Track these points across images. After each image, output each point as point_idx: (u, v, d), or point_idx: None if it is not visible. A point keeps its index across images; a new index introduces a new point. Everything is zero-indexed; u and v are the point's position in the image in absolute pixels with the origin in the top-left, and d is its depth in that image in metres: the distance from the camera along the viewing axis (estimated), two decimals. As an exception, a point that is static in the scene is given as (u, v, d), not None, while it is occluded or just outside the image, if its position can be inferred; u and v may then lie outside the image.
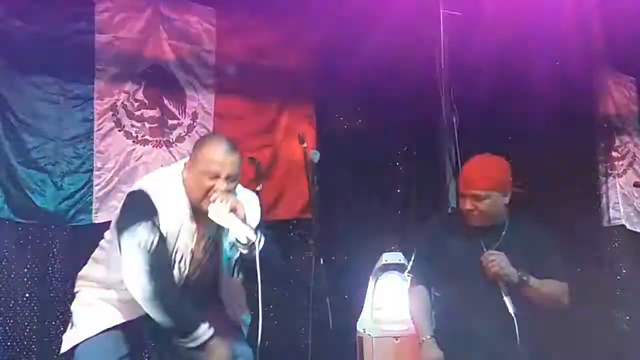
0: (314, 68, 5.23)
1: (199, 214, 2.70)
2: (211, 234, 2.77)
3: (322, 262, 4.17)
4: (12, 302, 4.29)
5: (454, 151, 4.88)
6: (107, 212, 4.35)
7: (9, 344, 4.25)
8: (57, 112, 4.41)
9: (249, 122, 5.05)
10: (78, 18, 4.47)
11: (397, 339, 4.10)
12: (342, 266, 5.29)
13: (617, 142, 6.07)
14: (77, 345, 2.73)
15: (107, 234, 2.85)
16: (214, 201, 2.59)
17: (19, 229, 4.33)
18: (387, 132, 5.58)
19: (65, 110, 4.43)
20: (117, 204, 3.64)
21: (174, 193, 2.69)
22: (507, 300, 2.98)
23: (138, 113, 4.67)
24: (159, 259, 2.61)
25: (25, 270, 4.33)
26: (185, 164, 2.75)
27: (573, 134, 5.11)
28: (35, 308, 4.31)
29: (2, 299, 4.27)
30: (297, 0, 5.08)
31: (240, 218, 2.59)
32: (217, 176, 2.62)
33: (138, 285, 2.58)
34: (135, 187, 2.77)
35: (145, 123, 4.69)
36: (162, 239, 2.63)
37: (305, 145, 4.24)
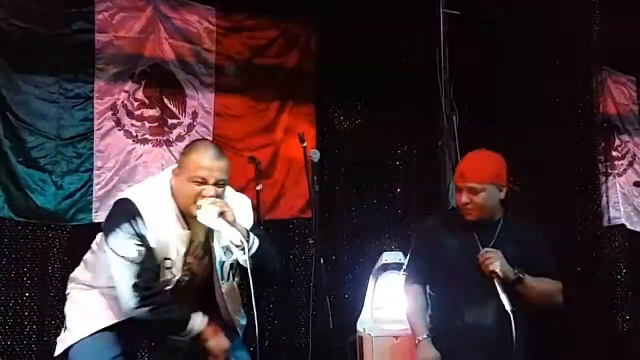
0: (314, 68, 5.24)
1: (188, 220, 2.71)
2: (201, 240, 2.78)
3: (322, 261, 4.16)
4: (12, 301, 4.29)
5: (454, 151, 4.88)
6: (107, 211, 4.24)
7: (9, 343, 4.26)
8: (58, 111, 4.41)
9: (249, 121, 5.05)
10: (78, 17, 4.47)
11: (397, 339, 4.09)
12: (342, 266, 5.29)
13: (617, 142, 6.07)
14: (70, 347, 2.73)
15: (98, 237, 2.87)
16: (201, 206, 2.60)
17: (19, 228, 4.33)
18: (387, 132, 5.58)
19: (65, 110, 4.43)
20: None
21: (162, 201, 2.70)
22: (503, 297, 2.98)
23: (138, 112, 4.67)
24: (147, 268, 2.63)
25: (25, 269, 4.33)
26: (173, 171, 2.76)
27: (573, 134, 5.10)
28: (35, 308, 4.32)
29: (2, 298, 4.27)
30: (297, 0, 5.09)
31: (229, 221, 2.60)
32: (205, 182, 2.63)
33: (125, 297, 2.61)
34: (123, 196, 2.78)
35: (146, 122, 4.69)
36: (150, 248, 2.64)
37: (305, 144, 4.23)
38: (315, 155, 4.20)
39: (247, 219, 2.80)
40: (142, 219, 2.63)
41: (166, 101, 4.79)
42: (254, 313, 2.55)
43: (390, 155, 5.60)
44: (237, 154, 4.90)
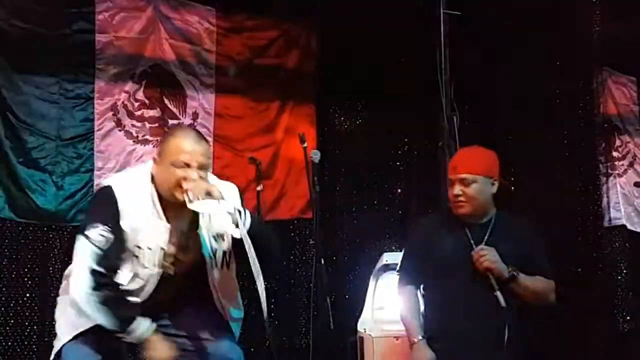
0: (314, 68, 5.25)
1: (170, 209, 2.67)
2: (184, 228, 2.73)
3: (322, 262, 4.16)
4: (13, 302, 4.29)
5: (455, 151, 4.88)
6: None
7: (9, 343, 4.26)
8: (58, 111, 4.41)
9: (249, 121, 5.06)
10: (78, 18, 4.47)
11: (397, 339, 4.08)
12: (342, 266, 5.30)
13: (618, 142, 6.08)
14: (60, 351, 2.71)
15: None
16: (187, 190, 2.55)
17: (20, 228, 4.33)
18: (387, 132, 5.59)
19: (65, 110, 4.43)
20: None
21: (140, 190, 2.66)
22: (498, 294, 2.98)
23: (138, 113, 4.67)
24: (110, 257, 2.57)
25: (26, 270, 4.33)
26: (153, 159, 2.71)
27: (573, 134, 5.10)
28: (36, 308, 4.32)
29: (3, 299, 4.28)
30: (297, 0, 5.10)
31: (218, 197, 2.56)
32: (188, 165, 2.59)
33: (79, 280, 2.56)
34: (103, 184, 2.76)
35: (146, 123, 4.69)
36: (120, 238, 2.59)
37: (305, 145, 4.23)
38: (316, 155, 4.19)
39: (234, 202, 2.73)
40: (116, 205, 2.59)
41: (166, 101, 4.79)
42: (258, 292, 2.51)
43: (390, 156, 5.60)
44: (238, 155, 4.91)
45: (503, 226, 3.16)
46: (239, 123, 5.02)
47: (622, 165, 6.08)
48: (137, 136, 4.64)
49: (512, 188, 5.00)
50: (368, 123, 5.55)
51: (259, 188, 4.50)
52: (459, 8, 4.81)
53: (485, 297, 3.00)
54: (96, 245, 2.55)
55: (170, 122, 4.77)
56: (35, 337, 4.29)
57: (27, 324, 4.29)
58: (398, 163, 5.61)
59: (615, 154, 6.01)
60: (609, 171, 5.82)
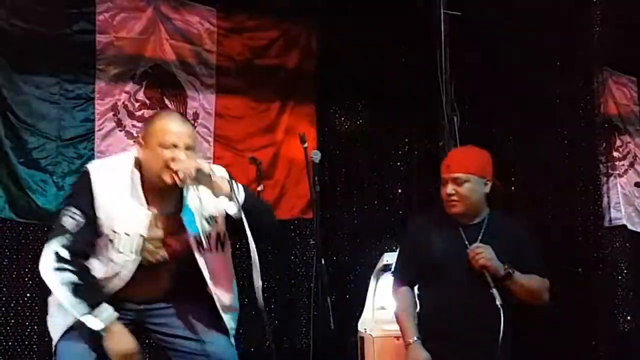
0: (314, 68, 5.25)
1: (155, 193, 2.66)
2: (172, 213, 2.70)
3: (323, 262, 4.16)
4: (14, 302, 4.30)
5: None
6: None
7: (10, 343, 4.26)
8: (58, 112, 4.42)
9: (249, 122, 5.06)
10: (79, 18, 4.48)
11: (398, 339, 4.07)
12: (343, 266, 5.30)
13: (618, 142, 6.08)
14: (55, 351, 2.72)
15: None
16: (178, 170, 2.54)
17: (20, 228, 4.33)
18: (387, 132, 5.59)
19: (66, 111, 4.44)
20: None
21: (120, 175, 2.64)
22: (494, 292, 2.98)
23: (139, 113, 4.68)
24: (78, 241, 2.57)
25: (26, 270, 4.33)
26: (138, 143, 2.70)
27: (574, 134, 5.10)
28: (36, 308, 4.31)
29: (4, 299, 4.28)
30: (298, 1, 5.10)
31: (208, 173, 2.56)
32: (175, 146, 2.59)
33: (43, 259, 2.57)
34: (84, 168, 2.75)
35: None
36: (94, 221, 2.58)
37: (306, 145, 4.22)
38: (316, 155, 4.18)
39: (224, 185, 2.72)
40: (91, 189, 2.59)
41: (167, 102, 4.80)
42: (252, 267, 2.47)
43: (390, 155, 5.61)
44: (238, 155, 4.92)
45: (496, 226, 3.16)
46: (240, 123, 5.03)
47: (623, 165, 6.08)
48: (138, 136, 4.63)
49: (512, 188, 5.02)
50: (368, 123, 5.56)
51: (259, 188, 4.50)
52: (459, 8, 4.82)
53: (480, 296, 3.00)
54: (66, 229, 2.57)
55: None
56: (35, 337, 4.29)
57: (27, 324, 4.29)
58: (398, 163, 5.62)
59: (615, 154, 6.01)
60: (610, 171, 5.82)
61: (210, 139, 4.89)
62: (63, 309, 2.63)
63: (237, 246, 3.82)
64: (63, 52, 4.42)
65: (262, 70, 5.12)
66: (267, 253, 4.77)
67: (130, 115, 4.65)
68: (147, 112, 4.69)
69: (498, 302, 2.94)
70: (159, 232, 2.70)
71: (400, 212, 5.50)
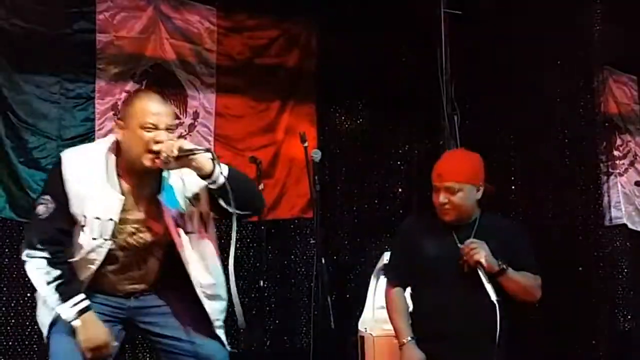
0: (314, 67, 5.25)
1: (133, 177, 2.63)
2: (149, 193, 2.67)
3: (323, 261, 4.16)
4: (14, 302, 4.30)
5: (455, 150, 4.88)
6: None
7: (10, 343, 4.26)
8: (59, 111, 4.41)
9: (250, 121, 5.06)
10: (79, 17, 4.48)
11: (398, 339, 4.09)
12: (343, 265, 5.30)
13: (619, 141, 6.07)
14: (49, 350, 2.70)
15: None
16: (160, 151, 2.51)
17: (20, 228, 4.33)
18: (388, 131, 5.59)
19: (66, 110, 4.44)
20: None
21: (93, 159, 2.62)
22: (488, 288, 2.98)
23: (139, 113, 4.67)
24: (50, 226, 2.57)
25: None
26: (117, 125, 2.66)
27: (574, 133, 5.11)
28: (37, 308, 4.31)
29: (4, 298, 4.29)
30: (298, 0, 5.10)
31: (190, 150, 2.52)
32: (155, 127, 2.56)
33: (22, 247, 2.60)
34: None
35: (146, 123, 4.69)
36: (64, 205, 2.56)
37: (306, 144, 4.23)
38: (316, 154, 4.19)
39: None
40: (61, 174, 2.57)
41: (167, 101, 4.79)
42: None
43: (390, 155, 5.61)
44: (238, 154, 4.91)
45: (487, 225, 3.15)
46: (240, 122, 5.03)
47: (623, 164, 6.08)
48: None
49: (513, 187, 5.02)
50: (368, 122, 5.56)
51: (259, 187, 4.50)
52: (459, 8, 4.82)
53: (473, 295, 2.99)
54: (38, 216, 2.57)
55: (171, 121, 4.77)
56: (35, 336, 4.29)
57: (27, 323, 4.28)
58: (398, 163, 5.62)
59: (616, 153, 6.01)
60: (610, 170, 5.82)
61: (211, 138, 4.89)
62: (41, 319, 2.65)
63: (237, 246, 3.81)
64: (63, 52, 4.41)
65: (262, 69, 5.12)
66: (267, 253, 4.77)
67: (131, 114, 4.64)
68: (147, 112, 4.69)
69: (493, 297, 2.93)
70: (141, 215, 2.67)
71: (400, 211, 5.50)
